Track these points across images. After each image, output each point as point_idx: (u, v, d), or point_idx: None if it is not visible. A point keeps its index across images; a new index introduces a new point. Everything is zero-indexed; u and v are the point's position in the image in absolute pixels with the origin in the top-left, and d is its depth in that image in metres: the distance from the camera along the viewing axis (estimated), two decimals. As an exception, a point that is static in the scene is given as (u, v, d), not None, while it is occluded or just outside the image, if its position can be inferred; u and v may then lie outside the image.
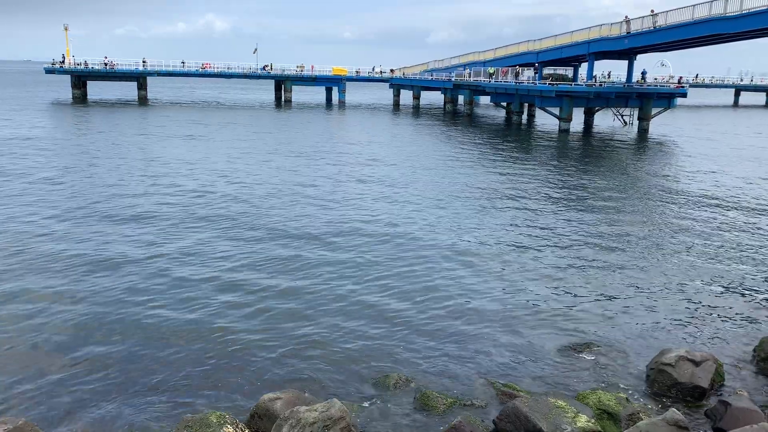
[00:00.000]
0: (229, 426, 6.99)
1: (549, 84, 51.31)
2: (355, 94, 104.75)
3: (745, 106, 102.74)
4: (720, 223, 19.31)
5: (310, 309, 11.64)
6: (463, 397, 8.58)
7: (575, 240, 16.94)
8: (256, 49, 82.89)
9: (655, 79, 59.82)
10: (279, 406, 7.43)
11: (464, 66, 73.61)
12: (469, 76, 66.63)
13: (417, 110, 73.53)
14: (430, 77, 78.69)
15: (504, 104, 62.05)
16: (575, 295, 12.82)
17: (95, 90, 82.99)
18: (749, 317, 11.96)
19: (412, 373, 9.33)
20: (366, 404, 8.41)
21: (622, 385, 9.13)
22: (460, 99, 72.63)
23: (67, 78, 73.66)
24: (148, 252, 14.75)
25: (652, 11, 46.96)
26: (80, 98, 70.57)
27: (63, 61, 72.60)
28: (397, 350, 10.09)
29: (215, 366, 9.41)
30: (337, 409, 6.92)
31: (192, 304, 11.74)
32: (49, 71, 71.43)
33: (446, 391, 8.79)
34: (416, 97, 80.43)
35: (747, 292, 13.36)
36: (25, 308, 11.32)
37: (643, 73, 54.83)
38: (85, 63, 73.11)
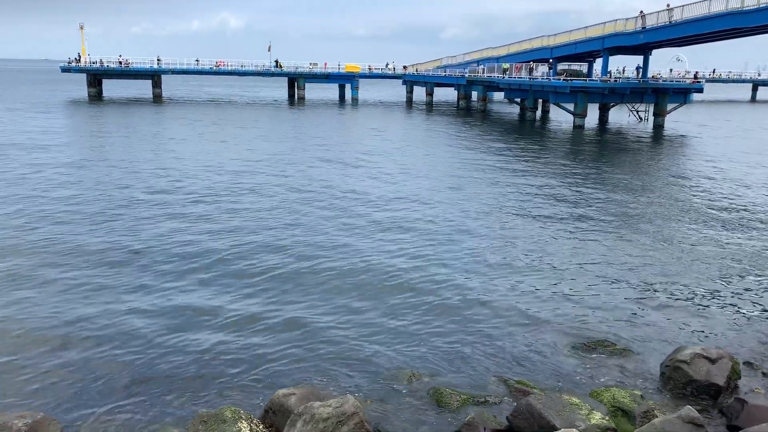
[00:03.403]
0: (243, 421, 7.05)
1: (563, 80, 50.93)
2: (368, 90, 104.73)
3: (763, 101, 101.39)
4: (735, 219, 19.10)
5: (324, 306, 11.69)
6: (477, 394, 8.58)
7: (588, 237, 16.85)
8: (270, 47, 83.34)
9: (671, 71, 59.15)
10: (293, 401, 7.47)
11: (477, 62, 73.22)
12: (483, 72, 66.31)
13: (430, 107, 73.36)
14: (443, 73, 78.41)
15: (518, 100, 61.72)
16: (589, 292, 12.75)
17: (111, 88, 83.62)
18: (766, 314, 11.83)
19: (426, 369, 9.35)
20: (379, 400, 8.44)
21: (636, 383, 9.07)
22: (474, 95, 72.20)
23: (83, 76, 74.26)
24: (160, 244, 14.87)
25: (668, 6, 46.50)
26: (96, 96, 71.14)
27: (79, 60, 73.26)
28: (410, 347, 10.11)
29: (230, 361, 9.48)
30: (351, 405, 6.94)
31: (206, 300, 11.84)
32: (65, 70, 71.99)
33: (459, 387, 8.79)
34: (429, 94, 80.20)
35: (763, 289, 13.21)
36: (41, 302, 11.47)
37: (638, 68, 53.79)
38: (101, 61, 73.75)
